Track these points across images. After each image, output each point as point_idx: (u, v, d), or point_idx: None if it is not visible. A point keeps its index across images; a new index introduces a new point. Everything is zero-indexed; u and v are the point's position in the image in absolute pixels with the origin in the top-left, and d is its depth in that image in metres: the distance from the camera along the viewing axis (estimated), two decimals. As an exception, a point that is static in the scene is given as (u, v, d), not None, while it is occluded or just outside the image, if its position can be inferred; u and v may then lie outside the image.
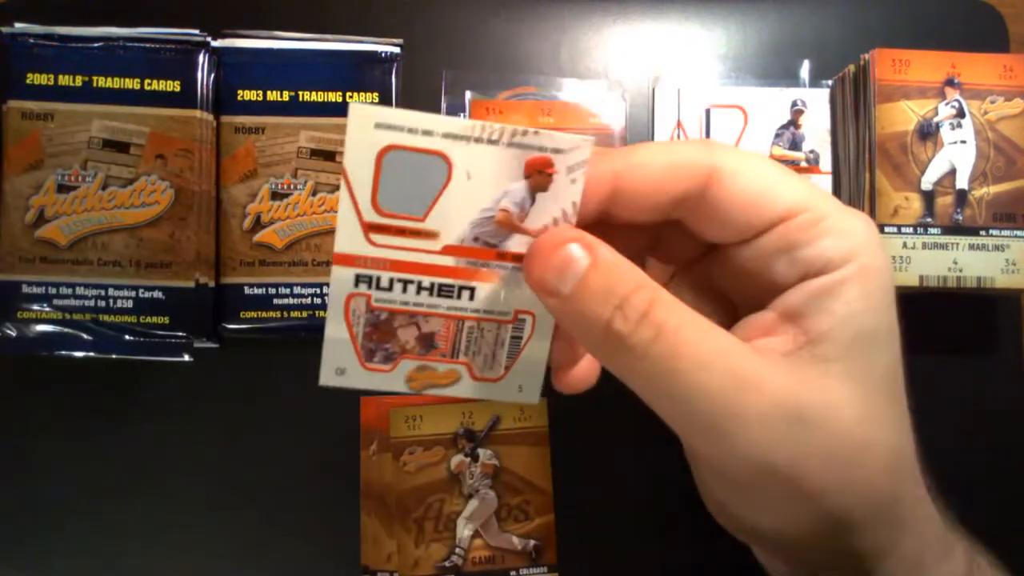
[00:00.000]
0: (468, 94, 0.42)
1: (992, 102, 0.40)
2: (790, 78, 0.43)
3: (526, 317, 0.24)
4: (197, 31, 0.41)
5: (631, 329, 0.20)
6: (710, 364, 0.20)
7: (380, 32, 0.42)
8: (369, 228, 0.22)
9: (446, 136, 0.21)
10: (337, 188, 0.41)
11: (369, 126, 0.20)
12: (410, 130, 0.20)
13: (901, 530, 0.22)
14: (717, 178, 0.23)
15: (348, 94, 0.41)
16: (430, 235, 0.22)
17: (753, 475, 0.21)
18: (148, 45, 0.40)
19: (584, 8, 0.44)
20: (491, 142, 0.21)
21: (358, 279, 0.22)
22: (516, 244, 0.23)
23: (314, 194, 0.41)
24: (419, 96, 0.42)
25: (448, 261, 0.22)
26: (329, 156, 0.41)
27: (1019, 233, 0.39)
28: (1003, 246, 0.39)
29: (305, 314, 0.41)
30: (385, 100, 0.41)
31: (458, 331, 0.24)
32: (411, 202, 0.21)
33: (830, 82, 0.43)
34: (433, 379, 0.25)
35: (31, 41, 0.40)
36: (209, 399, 0.42)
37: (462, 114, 0.42)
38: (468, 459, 0.41)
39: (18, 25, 0.40)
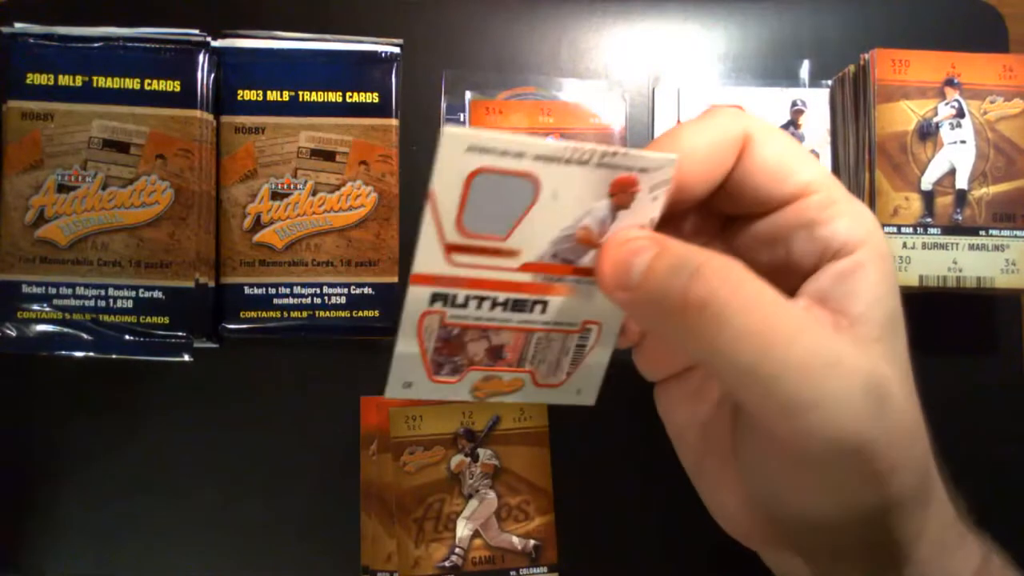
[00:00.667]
0: (468, 94, 0.42)
1: (992, 102, 0.40)
2: (790, 78, 0.43)
3: (592, 327, 0.25)
4: (197, 31, 0.41)
5: (711, 294, 0.20)
6: (800, 338, 0.20)
7: (380, 32, 0.42)
8: (450, 249, 0.22)
9: (537, 158, 0.21)
10: (337, 188, 0.41)
11: (461, 150, 0.20)
12: (502, 153, 0.20)
13: (929, 513, 0.23)
14: (748, 146, 0.23)
15: (348, 94, 0.41)
16: (510, 253, 0.22)
17: (826, 453, 0.20)
18: (148, 45, 0.40)
19: (584, 8, 0.44)
20: (581, 163, 0.21)
21: (434, 298, 0.22)
22: (592, 259, 0.23)
23: (314, 194, 0.41)
24: (419, 96, 0.42)
25: (525, 277, 0.23)
26: (329, 156, 0.41)
27: (1019, 233, 0.39)
28: (1003, 246, 0.39)
29: (305, 314, 0.41)
30: (385, 100, 0.41)
31: (527, 342, 0.24)
32: (495, 222, 0.22)
33: (830, 82, 0.43)
34: (498, 387, 0.25)
35: (31, 41, 0.40)
36: (209, 399, 0.42)
37: (462, 114, 0.42)
38: (468, 459, 0.41)
39: (18, 25, 0.40)
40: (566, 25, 0.44)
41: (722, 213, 0.26)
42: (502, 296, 0.23)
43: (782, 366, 0.20)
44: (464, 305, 0.23)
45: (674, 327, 0.21)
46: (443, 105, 0.42)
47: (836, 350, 0.20)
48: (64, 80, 0.40)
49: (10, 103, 0.39)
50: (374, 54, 0.42)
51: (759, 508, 0.25)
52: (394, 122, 0.41)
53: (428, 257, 0.22)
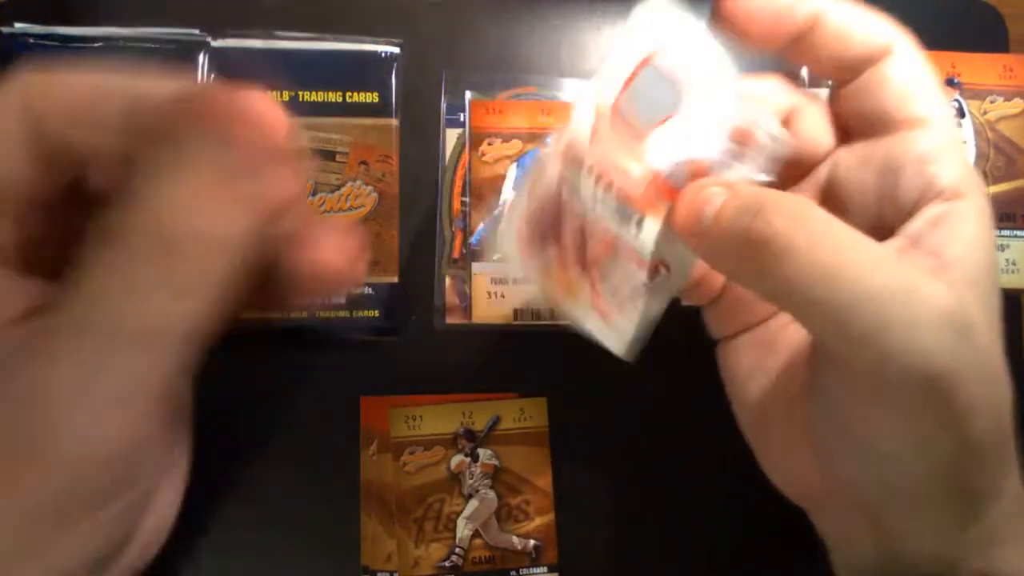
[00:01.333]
0: (468, 94, 0.42)
1: (992, 102, 0.40)
2: (790, 78, 0.43)
3: (662, 271, 0.24)
4: (197, 31, 0.41)
5: (784, 228, 0.20)
6: (872, 269, 0.20)
7: (380, 32, 0.42)
8: (599, 123, 0.22)
9: (702, 79, 0.22)
10: (337, 188, 0.41)
11: (656, 22, 0.21)
12: (681, 54, 0.22)
13: (1007, 471, 0.22)
14: (894, 55, 0.24)
15: (348, 94, 0.41)
16: (639, 156, 0.23)
17: (903, 382, 0.20)
18: (148, 45, 0.40)
19: (584, 8, 0.44)
20: (726, 100, 0.22)
21: (564, 163, 0.23)
22: None
23: (314, 194, 0.41)
24: (419, 96, 0.42)
25: (639, 188, 0.23)
26: (329, 156, 0.41)
27: (1019, 233, 0.39)
28: (1003, 246, 0.39)
29: (304, 313, 0.41)
30: (385, 100, 0.41)
31: (608, 251, 0.24)
32: (642, 116, 0.22)
33: (830, 82, 0.43)
34: (561, 284, 0.25)
35: (31, 41, 0.40)
36: (208, 398, 0.42)
37: (462, 114, 0.42)
38: (468, 459, 0.41)
39: (18, 25, 0.40)
40: (566, 25, 0.44)
41: (842, 126, 0.26)
42: (613, 197, 0.23)
43: (856, 295, 0.20)
44: (578, 186, 0.23)
45: (745, 268, 0.22)
46: (443, 105, 0.42)
47: (915, 280, 0.20)
48: (64, 80, 0.40)
49: (10, 103, 0.39)
50: (374, 54, 0.42)
51: (828, 457, 0.25)
52: (394, 122, 0.41)
53: (577, 124, 0.22)
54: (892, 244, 0.23)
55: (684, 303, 0.42)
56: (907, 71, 0.24)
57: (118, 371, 0.17)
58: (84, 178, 0.20)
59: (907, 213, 0.23)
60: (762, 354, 0.29)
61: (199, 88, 0.21)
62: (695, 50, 0.22)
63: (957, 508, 0.22)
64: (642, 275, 0.24)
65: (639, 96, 0.22)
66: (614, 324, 0.26)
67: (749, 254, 0.21)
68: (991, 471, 0.22)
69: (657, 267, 0.24)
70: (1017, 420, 0.22)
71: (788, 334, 0.28)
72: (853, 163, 0.25)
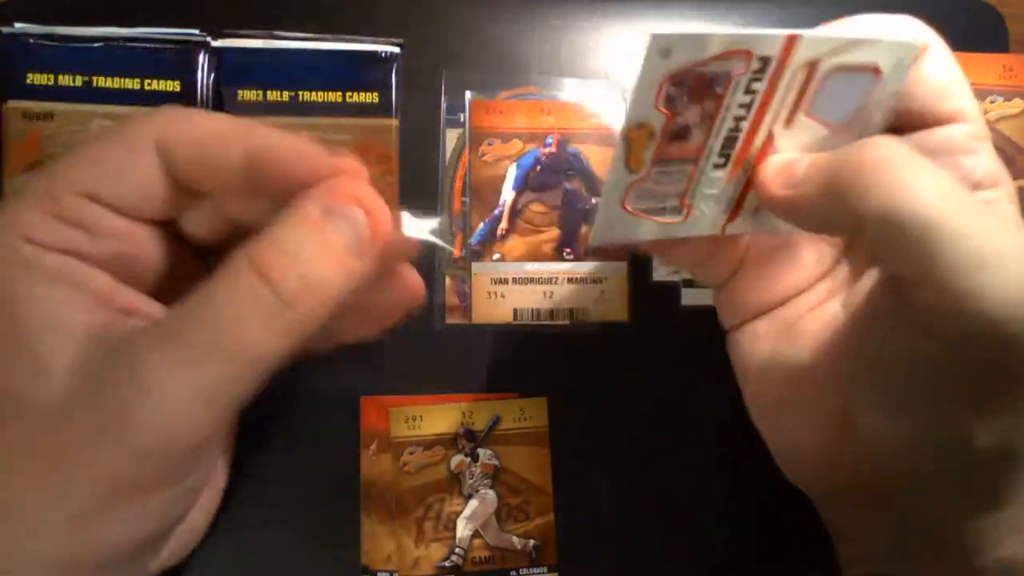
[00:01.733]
0: (468, 94, 0.42)
1: (992, 102, 0.40)
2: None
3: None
4: (197, 31, 0.41)
5: (894, 152, 0.21)
6: (981, 210, 0.20)
7: (380, 32, 0.42)
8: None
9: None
10: (337, 188, 0.41)
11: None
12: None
13: None
14: (927, 55, 0.25)
15: (348, 94, 0.41)
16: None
17: (979, 334, 0.19)
18: (148, 45, 0.40)
19: (584, 8, 0.44)
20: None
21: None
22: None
23: (314, 194, 0.41)
24: (419, 96, 0.42)
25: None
26: (329, 156, 0.41)
27: (1019, 233, 0.39)
28: (1003, 246, 0.39)
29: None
30: (385, 100, 0.41)
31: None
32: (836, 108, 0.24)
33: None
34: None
35: (31, 41, 0.40)
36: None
37: (461, 114, 0.42)
38: (468, 459, 0.41)
39: (18, 25, 0.40)
40: (566, 25, 0.44)
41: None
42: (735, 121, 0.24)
43: (969, 226, 0.19)
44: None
45: (850, 195, 0.21)
46: (443, 105, 0.42)
47: (1009, 234, 0.20)
48: (64, 80, 0.40)
49: (10, 103, 0.39)
50: (374, 54, 0.42)
51: (871, 428, 0.24)
52: (394, 122, 0.41)
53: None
54: None
55: (699, 284, 0.42)
56: (941, 69, 0.25)
57: (207, 379, 0.19)
58: (183, 215, 0.23)
59: None
60: (781, 340, 0.28)
61: (329, 158, 0.23)
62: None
63: (996, 484, 0.22)
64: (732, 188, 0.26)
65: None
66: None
67: (860, 178, 0.21)
68: None
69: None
70: None
71: (812, 318, 0.28)
72: None
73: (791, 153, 0.24)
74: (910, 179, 0.20)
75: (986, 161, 0.24)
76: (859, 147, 0.22)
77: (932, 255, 0.20)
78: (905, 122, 0.25)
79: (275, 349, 0.20)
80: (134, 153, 0.21)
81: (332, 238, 0.20)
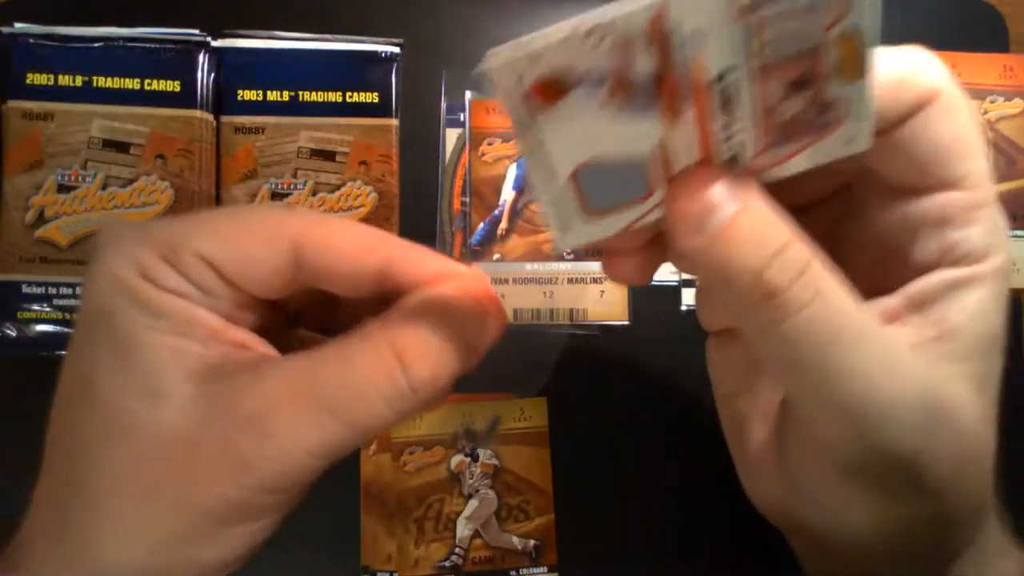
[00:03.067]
0: (468, 94, 0.42)
1: (992, 102, 0.40)
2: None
3: None
4: (197, 31, 0.41)
5: (787, 284, 0.19)
6: (865, 341, 0.19)
7: (380, 32, 0.42)
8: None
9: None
10: (337, 188, 0.41)
11: None
12: None
13: (981, 528, 0.22)
14: (933, 107, 0.20)
15: (348, 94, 0.41)
16: None
17: (875, 466, 0.20)
18: (148, 45, 0.40)
19: (584, 8, 0.44)
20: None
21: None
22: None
23: (314, 194, 0.41)
24: (419, 96, 0.42)
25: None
26: (329, 156, 0.41)
27: (1019, 233, 0.39)
28: (1003, 246, 0.39)
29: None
30: (385, 100, 0.41)
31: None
32: None
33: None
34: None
35: (31, 41, 0.40)
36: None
37: (462, 114, 0.42)
38: (468, 459, 0.41)
39: (18, 25, 0.40)
40: (566, 25, 0.44)
41: (862, 169, 0.23)
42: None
43: (841, 366, 0.19)
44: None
45: (735, 298, 0.20)
46: (443, 105, 0.42)
47: (903, 360, 0.20)
48: (64, 80, 0.40)
49: (10, 103, 0.39)
50: (374, 54, 0.42)
51: (794, 502, 0.24)
52: (394, 122, 0.41)
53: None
54: (887, 303, 0.22)
55: (678, 272, 0.42)
56: (946, 126, 0.21)
57: (327, 438, 0.21)
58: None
59: (916, 273, 0.22)
60: (746, 361, 0.27)
61: (458, 267, 0.24)
62: None
63: (928, 564, 0.22)
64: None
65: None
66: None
67: (747, 295, 0.19)
68: (964, 534, 0.22)
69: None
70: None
71: None
72: (868, 204, 0.23)
73: (721, 177, 0.20)
74: (807, 312, 0.19)
75: (978, 235, 0.21)
76: (773, 251, 0.19)
77: (805, 393, 0.20)
78: (899, 184, 0.22)
79: (390, 423, 0.22)
80: (270, 249, 0.22)
81: (462, 334, 0.22)
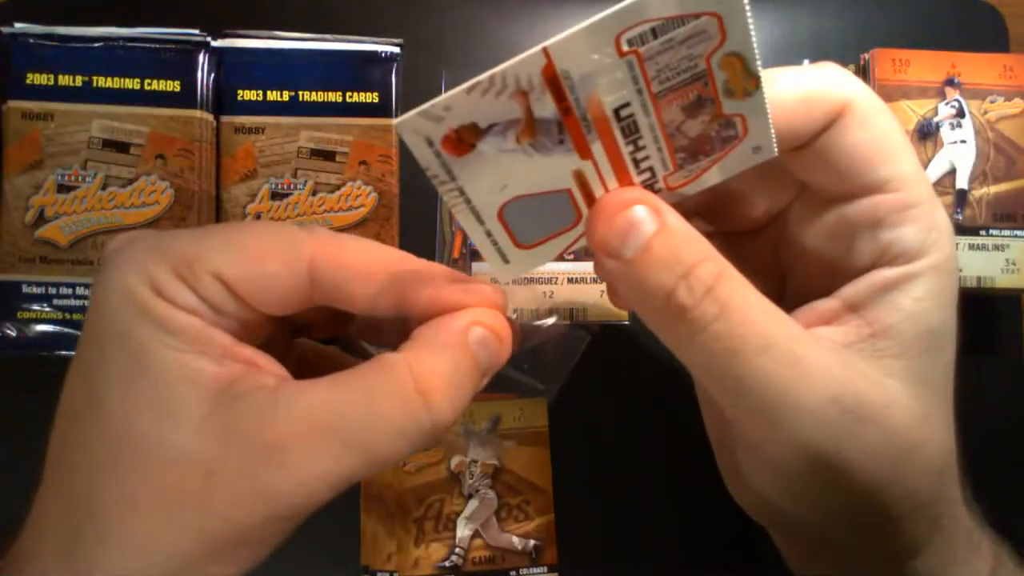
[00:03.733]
0: (468, 94, 0.42)
1: (992, 102, 0.40)
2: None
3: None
4: (197, 31, 0.41)
5: (695, 302, 0.20)
6: (771, 348, 0.20)
7: (380, 32, 0.42)
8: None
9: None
10: (337, 188, 0.41)
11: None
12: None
13: (936, 529, 0.22)
14: (844, 118, 0.21)
15: (348, 94, 0.41)
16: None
17: (801, 464, 0.21)
18: (148, 45, 0.40)
19: (584, 8, 0.44)
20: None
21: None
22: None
23: (314, 194, 0.41)
24: (419, 96, 0.42)
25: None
26: (329, 156, 0.41)
27: (1019, 233, 0.39)
28: (1003, 246, 0.39)
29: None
30: (385, 100, 0.41)
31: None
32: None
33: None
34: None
35: (31, 41, 0.40)
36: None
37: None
38: (468, 459, 0.41)
39: (18, 25, 0.40)
40: (566, 25, 0.44)
41: (796, 182, 0.24)
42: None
43: (751, 374, 0.20)
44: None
45: (652, 317, 0.21)
46: (443, 105, 0.42)
47: (817, 362, 0.20)
48: (64, 80, 0.40)
49: (10, 103, 0.39)
50: (374, 54, 0.42)
51: (760, 501, 0.25)
52: (394, 122, 0.41)
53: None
54: (824, 305, 0.22)
55: None
56: (861, 134, 0.21)
57: (345, 471, 0.21)
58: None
59: (856, 275, 0.22)
60: None
61: (473, 285, 0.24)
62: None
63: (881, 559, 0.23)
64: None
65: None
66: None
67: (661, 312, 0.21)
68: (918, 529, 0.22)
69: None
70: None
71: None
72: (806, 215, 0.24)
73: (641, 198, 0.21)
74: (717, 327, 0.20)
75: (911, 233, 0.21)
76: (683, 271, 0.20)
77: (726, 402, 0.21)
78: (830, 193, 0.23)
79: (403, 456, 0.22)
80: (286, 269, 0.22)
81: (478, 368, 0.22)
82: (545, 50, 0.19)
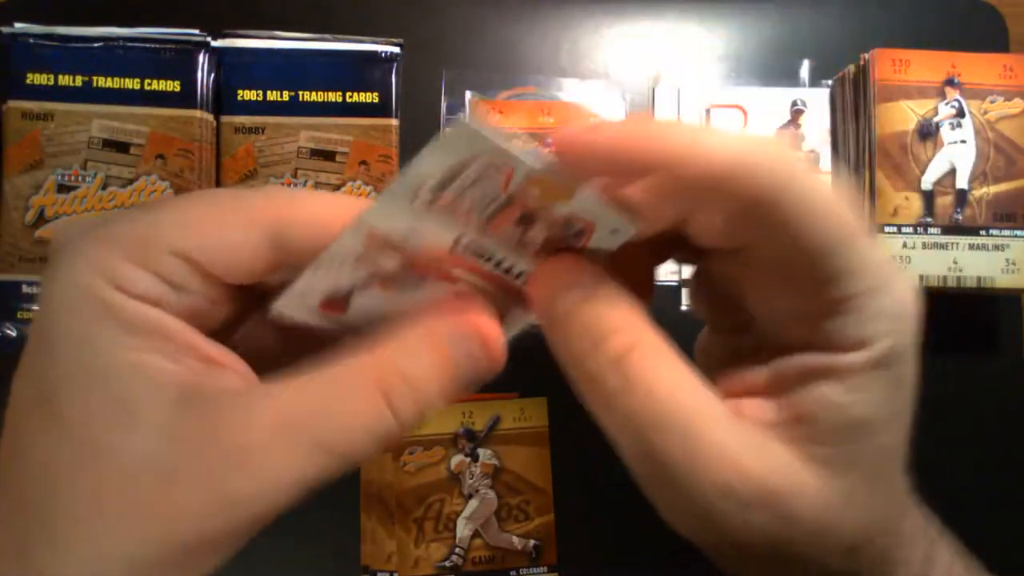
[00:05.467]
0: (468, 94, 0.42)
1: (992, 102, 0.40)
2: (790, 78, 0.43)
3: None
4: (197, 31, 0.41)
5: (600, 372, 0.20)
6: (675, 426, 0.20)
7: (380, 32, 0.42)
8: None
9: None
10: (337, 188, 0.41)
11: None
12: None
13: (889, 561, 0.22)
14: (778, 207, 0.19)
15: (348, 94, 0.41)
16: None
17: (705, 530, 0.21)
18: (148, 45, 0.40)
19: (584, 8, 0.44)
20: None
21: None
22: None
23: (314, 194, 0.41)
24: (419, 96, 0.42)
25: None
26: (329, 156, 0.41)
27: (1019, 233, 0.39)
28: (1003, 246, 0.39)
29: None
30: (385, 100, 0.41)
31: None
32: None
33: (830, 82, 0.43)
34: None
35: (31, 41, 0.40)
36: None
37: (462, 114, 0.42)
38: (468, 459, 0.41)
39: (18, 25, 0.40)
40: (566, 25, 0.44)
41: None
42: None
43: (658, 450, 0.20)
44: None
45: (572, 375, 0.22)
46: (443, 105, 0.42)
47: (722, 444, 0.20)
48: (64, 80, 0.40)
49: (10, 103, 0.39)
50: (374, 54, 0.42)
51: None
52: (394, 122, 0.41)
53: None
54: (757, 374, 0.22)
55: (678, 272, 0.42)
56: (804, 225, 0.19)
57: (312, 470, 0.20)
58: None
59: (790, 348, 0.21)
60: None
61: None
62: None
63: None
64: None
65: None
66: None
67: (576, 377, 0.21)
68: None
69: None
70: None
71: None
72: (744, 279, 0.22)
73: (571, 265, 0.21)
74: (625, 400, 0.20)
75: (849, 324, 0.19)
76: (598, 339, 0.21)
77: (640, 477, 0.22)
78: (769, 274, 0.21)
79: (373, 452, 0.22)
80: (248, 233, 0.21)
81: (454, 375, 0.22)
82: (361, 221, 0.20)
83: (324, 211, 0.22)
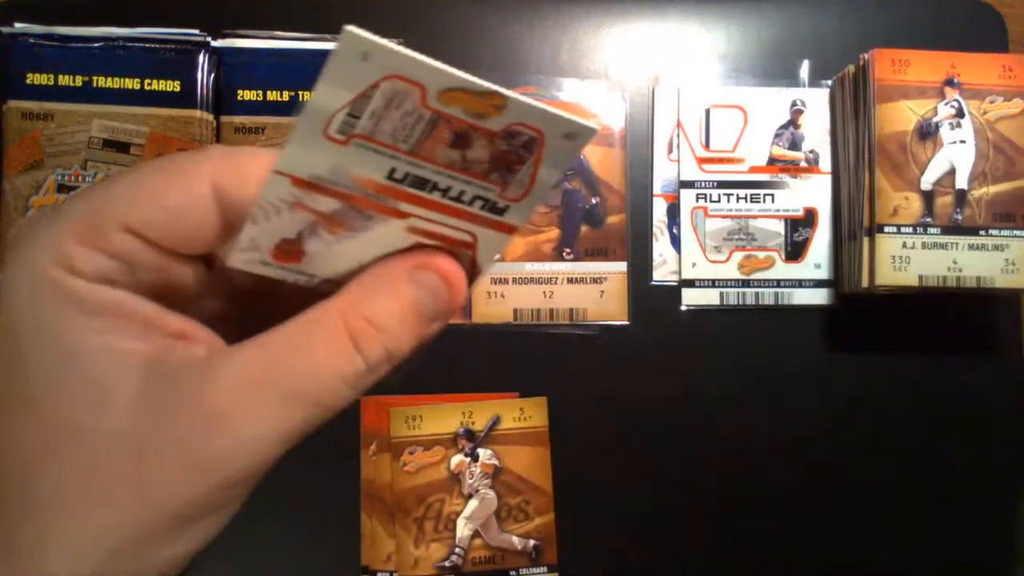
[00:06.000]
0: (468, 94, 0.42)
1: (992, 102, 0.40)
2: (790, 78, 0.43)
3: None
4: (197, 31, 0.41)
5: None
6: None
7: (380, 32, 0.42)
8: None
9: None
10: (337, 188, 0.41)
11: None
12: None
13: None
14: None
15: (348, 94, 0.41)
16: None
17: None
18: (148, 45, 0.40)
19: (584, 8, 0.44)
20: None
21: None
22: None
23: (314, 194, 0.41)
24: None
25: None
26: (329, 156, 0.41)
27: (1019, 233, 0.39)
28: (1003, 246, 0.39)
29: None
30: (385, 100, 0.41)
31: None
32: None
33: (830, 82, 0.43)
34: None
35: (31, 41, 0.40)
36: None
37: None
38: (468, 459, 0.41)
39: (18, 25, 0.40)
40: (566, 25, 0.44)
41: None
42: None
43: None
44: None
45: None
46: (443, 105, 0.42)
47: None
48: (64, 80, 0.40)
49: (10, 103, 0.39)
50: (374, 54, 0.42)
51: None
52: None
53: None
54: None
55: (700, 284, 0.42)
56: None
57: (289, 423, 0.20)
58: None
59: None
60: None
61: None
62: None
63: None
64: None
65: None
66: None
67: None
68: None
69: None
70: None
71: None
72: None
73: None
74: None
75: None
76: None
77: None
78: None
79: (350, 399, 0.22)
80: (191, 196, 0.21)
81: (417, 312, 0.22)
82: (278, 172, 0.19)
83: (261, 166, 0.22)
